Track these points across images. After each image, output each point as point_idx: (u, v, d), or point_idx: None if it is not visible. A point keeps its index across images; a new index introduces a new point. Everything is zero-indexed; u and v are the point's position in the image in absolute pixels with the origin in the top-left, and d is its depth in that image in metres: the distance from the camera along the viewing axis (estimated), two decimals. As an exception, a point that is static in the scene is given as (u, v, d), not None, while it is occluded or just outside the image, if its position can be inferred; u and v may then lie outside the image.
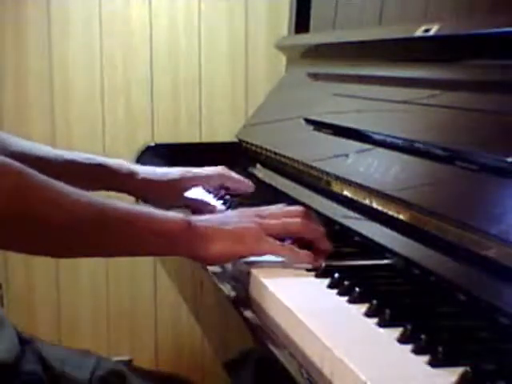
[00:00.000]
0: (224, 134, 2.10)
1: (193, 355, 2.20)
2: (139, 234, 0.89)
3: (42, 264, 2.11)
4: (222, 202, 1.31)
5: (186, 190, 1.29)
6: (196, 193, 1.32)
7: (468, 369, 0.60)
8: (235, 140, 1.68)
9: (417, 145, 0.99)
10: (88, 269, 2.14)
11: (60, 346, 1.25)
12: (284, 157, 1.37)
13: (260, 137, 1.57)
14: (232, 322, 0.91)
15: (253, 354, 0.84)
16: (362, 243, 1.00)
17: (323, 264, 0.91)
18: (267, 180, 1.45)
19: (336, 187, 1.14)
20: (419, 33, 1.06)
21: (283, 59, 1.82)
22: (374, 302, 0.76)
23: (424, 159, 0.95)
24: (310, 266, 0.92)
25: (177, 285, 1.40)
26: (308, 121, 1.36)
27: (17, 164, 0.82)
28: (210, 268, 1.00)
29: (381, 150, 1.06)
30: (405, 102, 1.10)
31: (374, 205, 1.01)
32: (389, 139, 1.06)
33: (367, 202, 1.03)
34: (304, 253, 0.93)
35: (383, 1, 1.31)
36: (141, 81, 2.12)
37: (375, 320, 0.74)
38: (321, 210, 1.14)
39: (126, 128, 2.13)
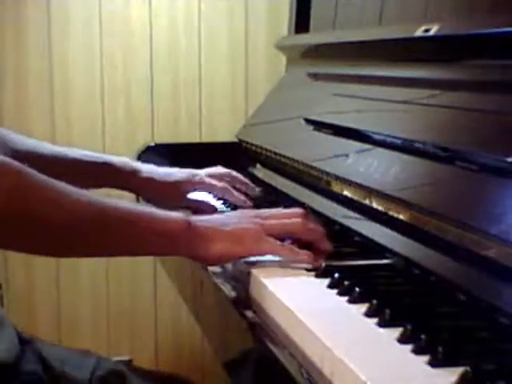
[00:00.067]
0: (224, 133, 2.10)
1: (193, 355, 2.20)
2: (140, 233, 0.89)
3: (42, 264, 2.11)
4: (222, 202, 1.31)
5: (188, 192, 1.29)
6: (197, 194, 1.32)
7: (468, 369, 0.60)
8: (235, 140, 1.68)
9: (417, 145, 0.99)
10: (88, 269, 2.14)
11: (60, 346, 1.25)
12: (284, 157, 1.37)
13: (260, 137, 1.57)
14: (232, 322, 0.91)
15: (253, 354, 0.84)
16: (362, 243, 1.00)
17: (323, 264, 0.91)
18: (267, 180, 1.45)
19: (336, 187, 1.14)
20: (419, 33, 1.06)
21: (283, 59, 1.82)
22: (374, 302, 0.76)
23: (424, 159, 0.95)
24: (310, 266, 0.92)
25: (177, 285, 1.40)
26: (308, 121, 1.36)
27: (16, 163, 0.82)
28: (210, 268, 1.00)
29: (381, 150, 1.06)
30: (405, 102, 1.10)
31: (374, 205, 1.01)
32: (389, 139, 1.06)
33: (367, 202, 1.03)
34: (304, 253, 0.93)
35: (383, 1, 1.31)
36: (141, 81, 2.12)
37: (375, 320, 0.74)
38: (321, 210, 1.14)
39: (125, 128, 2.13)
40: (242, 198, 1.29)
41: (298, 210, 0.98)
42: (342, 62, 1.40)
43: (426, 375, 0.62)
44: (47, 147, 1.25)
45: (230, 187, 1.30)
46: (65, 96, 2.10)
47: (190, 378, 1.38)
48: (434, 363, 0.63)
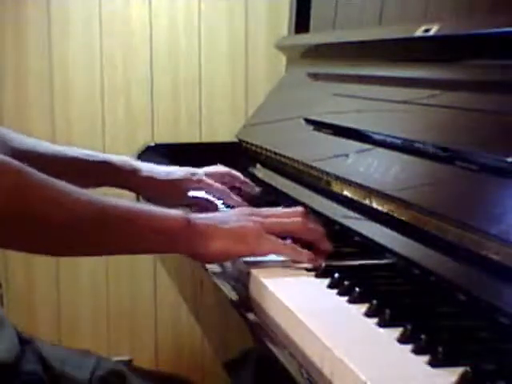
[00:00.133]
0: (224, 134, 2.10)
1: (193, 355, 2.20)
2: (139, 231, 0.89)
3: (42, 263, 2.11)
4: (222, 202, 1.31)
5: (188, 190, 1.29)
6: (197, 192, 1.32)
7: (468, 369, 0.60)
8: (235, 140, 1.68)
9: (417, 145, 0.99)
10: (88, 268, 2.14)
11: (60, 346, 1.25)
12: (284, 157, 1.37)
13: (260, 137, 1.57)
14: (232, 322, 0.91)
15: (253, 354, 0.84)
16: (362, 243, 1.00)
17: (323, 264, 0.91)
18: (267, 180, 1.45)
19: (336, 187, 1.14)
20: (419, 33, 1.06)
21: (283, 59, 1.82)
22: (374, 302, 0.76)
23: (424, 159, 0.95)
24: (310, 266, 0.92)
25: (177, 284, 1.40)
26: (308, 121, 1.36)
27: (16, 162, 0.82)
28: (210, 268, 1.00)
29: (381, 150, 1.06)
30: (405, 102, 1.10)
31: (374, 205, 1.01)
32: (389, 139, 1.06)
33: (367, 202, 1.03)
34: (306, 252, 0.93)
35: (383, 1, 1.31)
36: (141, 81, 2.12)
37: (375, 320, 0.74)
38: (321, 210, 1.14)
39: (125, 128, 2.13)
40: (240, 201, 1.28)
41: (298, 209, 0.98)
42: (342, 62, 1.40)
43: (426, 375, 0.62)
44: (47, 146, 1.25)
45: (227, 190, 1.29)
46: (65, 96, 2.10)
47: (190, 378, 1.38)
48: (434, 363, 0.63)
